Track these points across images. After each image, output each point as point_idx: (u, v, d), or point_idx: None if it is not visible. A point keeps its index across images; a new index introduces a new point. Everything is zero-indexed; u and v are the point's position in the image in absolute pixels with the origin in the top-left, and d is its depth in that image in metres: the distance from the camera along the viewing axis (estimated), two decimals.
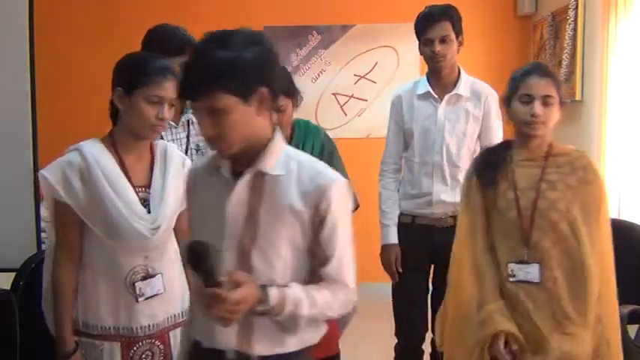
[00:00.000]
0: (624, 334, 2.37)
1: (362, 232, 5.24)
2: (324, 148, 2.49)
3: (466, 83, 2.60)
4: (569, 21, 3.96)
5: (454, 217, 2.41)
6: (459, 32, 2.54)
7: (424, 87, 2.58)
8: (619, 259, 2.71)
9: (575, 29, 3.94)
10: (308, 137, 2.49)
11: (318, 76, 4.96)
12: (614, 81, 3.45)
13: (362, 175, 5.01)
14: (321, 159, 2.05)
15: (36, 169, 2.90)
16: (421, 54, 2.61)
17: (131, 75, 1.73)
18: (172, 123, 2.49)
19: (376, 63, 4.94)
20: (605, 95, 3.51)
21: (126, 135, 1.86)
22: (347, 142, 4.99)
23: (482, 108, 2.58)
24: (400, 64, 4.94)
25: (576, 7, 3.92)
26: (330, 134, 4.90)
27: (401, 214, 2.64)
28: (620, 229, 2.83)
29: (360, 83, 4.96)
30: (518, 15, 4.86)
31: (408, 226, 2.62)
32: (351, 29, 4.93)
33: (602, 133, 3.53)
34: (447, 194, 2.53)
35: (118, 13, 4.92)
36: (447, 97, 2.55)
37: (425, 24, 2.53)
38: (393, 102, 2.70)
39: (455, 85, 2.56)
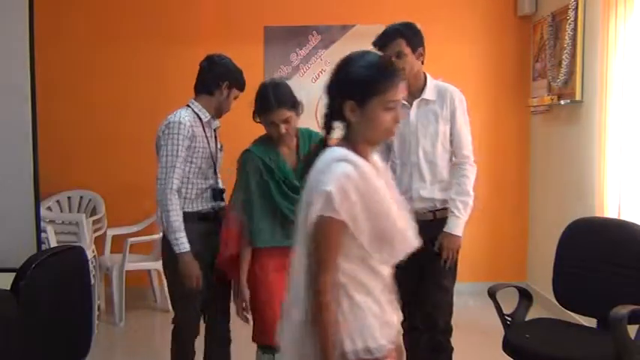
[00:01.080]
0: (624, 334, 2.37)
1: None
2: None
3: (431, 88, 2.82)
4: (569, 21, 3.96)
5: (433, 212, 2.77)
6: (416, 46, 2.76)
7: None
8: (619, 259, 2.72)
9: (575, 29, 3.94)
10: (312, 141, 2.67)
11: (318, 76, 4.95)
12: (614, 81, 3.45)
13: None
14: None
15: (36, 171, 2.91)
16: None
17: (364, 86, 1.66)
18: (211, 122, 2.90)
19: None
20: (606, 95, 3.51)
21: (363, 144, 1.72)
22: None
23: (448, 107, 2.81)
24: None
25: (576, 7, 3.92)
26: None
27: None
28: (620, 228, 2.83)
29: None
30: (518, 15, 4.86)
31: None
32: (351, 29, 4.93)
33: (602, 133, 3.53)
34: (426, 190, 2.77)
35: (119, 16, 4.91)
36: (415, 102, 2.78)
37: (380, 43, 2.74)
38: None
39: (422, 91, 2.79)
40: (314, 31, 4.93)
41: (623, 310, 2.37)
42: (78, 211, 4.79)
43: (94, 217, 4.59)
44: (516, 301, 2.87)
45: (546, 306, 3.93)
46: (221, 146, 3.02)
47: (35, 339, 1.92)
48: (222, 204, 2.88)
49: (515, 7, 4.88)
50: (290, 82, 4.85)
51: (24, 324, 1.83)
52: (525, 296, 2.87)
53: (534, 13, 4.77)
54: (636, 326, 2.46)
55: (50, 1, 4.51)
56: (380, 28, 4.83)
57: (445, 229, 2.74)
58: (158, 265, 4.51)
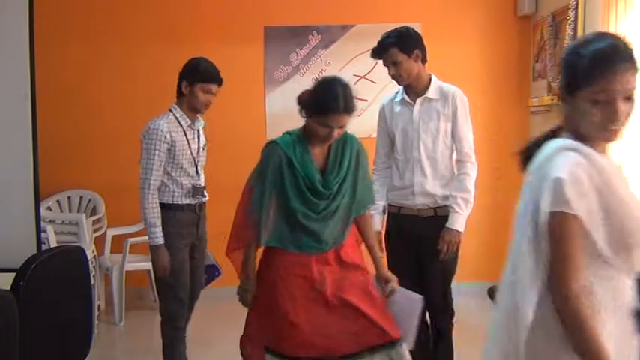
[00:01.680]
0: None
1: None
2: (359, 157, 2.64)
3: (435, 88, 2.96)
4: (569, 21, 3.96)
5: (434, 209, 2.91)
6: (411, 49, 2.87)
7: (401, 95, 3.00)
8: None
9: (575, 29, 3.94)
10: (346, 146, 2.61)
11: (318, 76, 4.94)
12: None
13: None
14: (356, 167, 2.56)
15: (36, 171, 2.91)
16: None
17: (574, 77, 1.48)
18: (192, 126, 3.19)
19: (376, 63, 4.89)
20: None
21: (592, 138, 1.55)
22: None
23: (450, 107, 2.93)
24: None
25: (576, 8, 3.92)
26: None
27: (389, 205, 3.01)
28: None
29: (361, 83, 4.96)
30: (518, 15, 4.86)
31: (395, 215, 2.99)
32: (351, 29, 4.93)
33: None
34: (428, 185, 2.89)
35: (120, 16, 4.91)
36: (419, 100, 2.93)
37: (376, 55, 2.96)
38: (379, 110, 3.10)
39: (426, 90, 2.93)
40: (314, 31, 4.93)
41: None
42: (78, 211, 4.79)
43: (94, 217, 4.59)
44: None
45: None
46: (204, 145, 3.26)
47: (35, 339, 1.92)
48: (204, 199, 3.24)
49: (515, 7, 4.88)
50: (290, 82, 4.92)
51: (24, 324, 1.83)
52: None
53: (534, 13, 4.77)
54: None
55: (51, 0, 4.51)
56: (380, 28, 4.83)
57: (447, 225, 2.86)
58: None
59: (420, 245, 2.90)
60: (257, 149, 4.99)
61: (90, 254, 4.06)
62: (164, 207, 3.08)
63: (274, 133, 4.95)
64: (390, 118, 3.02)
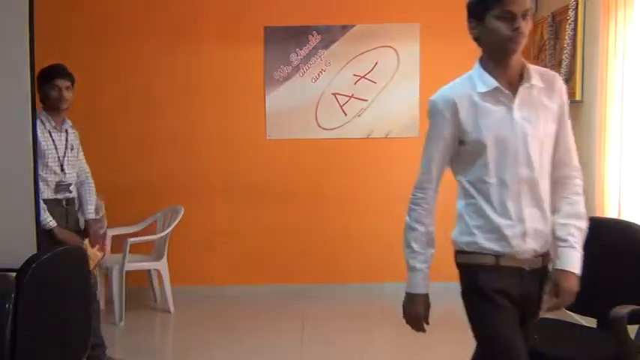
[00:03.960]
0: (624, 334, 2.37)
1: (364, 234, 5.24)
2: None
3: (535, 71, 1.97)
4: (569, 21, 3.96)
5: (543, 256, 1.97)
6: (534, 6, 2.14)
7: (489, 82, 1.93)
8: (619, 259, 2.72)
9: (575, 29, 3.94)
10: None
11: (318, 76, 4.96)
12: (614, 81, 3.45)
13: (362, 175, 5.04)
14: None
15: (36, 171, 2.91)
16: (478, 37, 2.05)
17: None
18: (57, 128, 3.48)
19: (376, 63, 4.94)
20: (606, 95, 3.51)
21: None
22: (347, 142, 5.00)
23: (557, 99, 1.97)
24: (400, 64, 4.94)
25: (576, 7, 3.92)
26: (330, 134, 4.96)
27: (480, 254, 2.00)
28: (620, 228, 2.83)
29: (360, 83, 4.96)
30: None
31: (492, 269, 1.96)
32: (351, 29, 4.93)
33: (603, 133, 3.54)
34: (544, 221, 1.95)
35: (120, 17, 4.91)
36: (521, 89, 1.91)
37: None
38: (440, 111, 1.98)
39: (522, 76, 1.93)
40: (314, 31, 4.93)
41: (623, 310, 2.37)
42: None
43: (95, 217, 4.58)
44: None
45: None
46: (72, 146, 3.56)
47: (35, 339, 1.92)
48: (70, 195, 3.54)
49: None
50: (290, 82, 4.92)
51: (24, 324, 1.83)
52: None
53: (534, 13, 4.76)
54: (636, 326, 2.46)
55: (54, 4, 4.51)
56: (380, 28, 4.86)
57: (559, 266, 1.95)
58: (158, 264, 4.52)
59: (523, 309, 1.99)
60: (257, 149, 5.04)
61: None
62: None
63: (275, 133, 4.99)
64: (472, 120, 1.93)
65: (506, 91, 1.92)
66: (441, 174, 2.11)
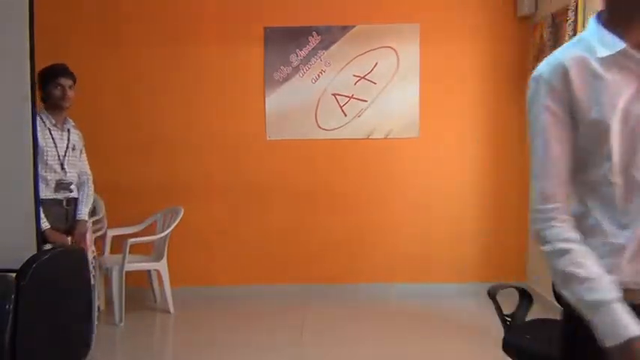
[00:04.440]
0: None
1: (357, 235, 5.22)
2: None
3: None
4: (569, 22, 3.96)
5: None
6: None
7: (614, 43, 1.38)
8: None
9: (574, 30, 3.94)
10: None
11: (318, 76, 4.96)
12: None
13: (362, 176, 5.04)
14: None
15: (36, 172, 2.91)
16: None
17: None
18: (58, 126, 3.50)
19: (376, 64, 4.94)
20: None
21: None
22: (347, 143, 5.00)
23: None
24: (400, 64, 4.94)
25: (576, 8, 3.93)
26: (330, 135, 4.97)
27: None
28: None
29: (360, 84, 4.96)
30: (518, 16, 4.86)
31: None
32: (351, 30, 4.93)
33: None
34: None
35: (121, 17, 4.91)
36: None
37: None
38: (548, 82, 1.40)
39: None
40: (314, 32, 4.94)
41: None
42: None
43: (94, 218, 4.58)
44: (516, 302, 2.87)
45: (547, 306, 3.93)
46: (74, 145, 3.59)
47: (36, 339, 1.92)
48: (71, 194, 3.57)
49: (514, 7, 4.89)
50: (290, 83, 4.93)
51: (24, 324, 1.83)
52: (525, 297, 2.87)
53: (534, 13, 4.77)
54: None
55: (54, 5, 4.52)
56: (380, 28, 4.87)
57: None
58: (158, 265, 4.52)
59: None
60: (257, 150, 5.05)
61: (90, 255, 4.06)
62: None
63: (274, 134, 4.99)
64: (591, 93, 1.37)
65: (638, 55, 1.37)
66: (568, 170, 1.41)
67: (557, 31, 4.27)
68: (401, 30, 4.94)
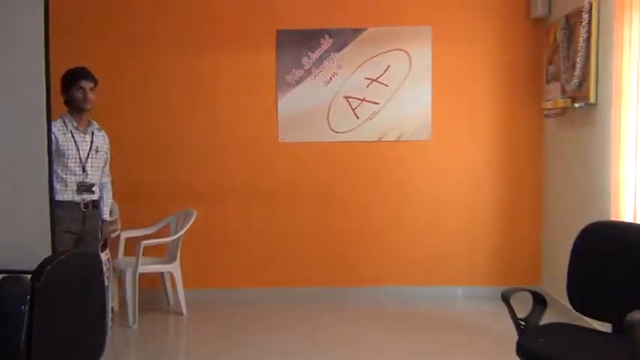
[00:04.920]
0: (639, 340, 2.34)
1: (369, 235, 5.20)
2: None
3: None
4: (583, 24, 3.93)
5: None
6: None
7: None
8: (634, 262, 2.69)
9: (589, 32, 3.91)
10: None
11: (330, 79, 4.96)
12: (628, 83, 3.42)
13: (374, 179, 5.03)
14: None
15: (50, 174, 2.94)
16: None
17: None
18: (80, 129, 3.54)
19: (388, 66, 4.94)
20: (620, 98, 3.48)
21: None
22: (359, 146, 5.00)
23: None
24: (412, 67, 4.93)
25: (590, 10, 3.89)
26: (342, 137, 4.96)
27: None
28: (636, 232, 2.80)
29: (372, 86, 4.96)
30: (532, 18, 4.83)
31: None
32: (363, 32, 4.93)
33: (617, 135, 3.50)
34: None
35: (137, 19, 4.95)
36: None
37: None
38: None
39: None
40: (326, 35, 4.94)
41: (636, 315, 2.34)
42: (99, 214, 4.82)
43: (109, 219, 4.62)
44: (530, 306, 2.85)
45: (561, 310, 3.90)
46: (97, 148, 3.63)
47: (50, 341, 1.94)
48: (92, 196, 3.60)
49: (528, 9, 4.86)
50: (302, 86, 4.94)
51: (39, 325, 1.85)
52: (539, 300, 2.85)
53: (548, 15, 4.74)
54: None
55: (74, 9, 4.57)
56: (391, 31, 4.85)
57: None
58: (171, 267, 4.54)
59: None
60: (269, 152, 5.05)
61: (104, 257, 4.09)
62: None
63: (287, 136, 5.00)
64: None
65: None
66: None
67: (571, 32, 4.24)
68: (413, 32, 4.93)
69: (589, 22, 3.91)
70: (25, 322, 1.81)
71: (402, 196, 5.01)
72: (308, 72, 4.95)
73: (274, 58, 4.95)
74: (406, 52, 4.93)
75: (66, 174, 3.46)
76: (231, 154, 5.02)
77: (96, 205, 3.66)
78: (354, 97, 4.96)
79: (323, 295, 4.96)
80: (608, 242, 2.86)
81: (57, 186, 3.36)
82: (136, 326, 4.32)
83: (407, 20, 4.93)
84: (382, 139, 4.99)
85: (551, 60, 4.65)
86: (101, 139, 3.68)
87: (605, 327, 2.90)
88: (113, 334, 4.17)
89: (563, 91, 4.33)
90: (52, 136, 3.13)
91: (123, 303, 4.49)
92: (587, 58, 3.95)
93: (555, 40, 4.52)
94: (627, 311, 2.38)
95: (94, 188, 3.59)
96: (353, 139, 4.98)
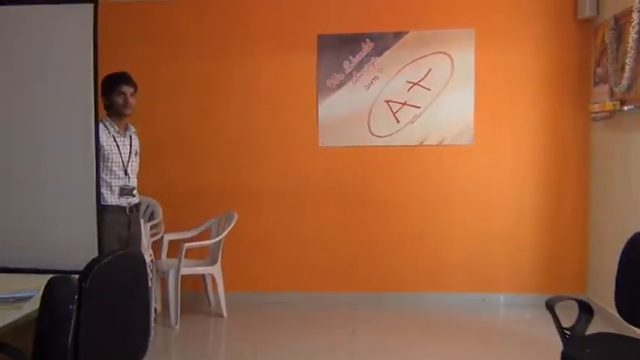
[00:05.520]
0: None
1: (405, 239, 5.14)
2: None
3: None
4: (633, 24, 3.81)
5: None
6: None
7: None
8: None
9: (639, 32, 3.79)
10: None
11: (371, 83, 4.95)
12: None
13: (414, 183, 4.98)
14: None
15: (98, 178, 3.03)
16: None
17: None
18: (121, 133, 3.59)
19: (430, 69, 4.89)
20: None
21: None
22: (399, 150, 4.97)
23: None
24: (455, 70, 4.87)
25: None
26: (383, 141, 4.94)
27: None
28: None
29: (414, 90, 4.92)
30: (579, 18, 4.71)
31: None
32: (404, 36, 4.90)
33: None
34: None
35: (176, 23, 5.05)
36: None
37: None
38: None
39: None
40: (367, 39, 4.93)
41: None
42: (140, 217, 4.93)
43: (152, 223, 4.72)
44: (576, 315, 2.77)
45: (608, 320, 3.77)
46: (136, 151, 3.69)
47: (96, 339, 1.99)
48: (134, 200, 3.64)
49: (575, 10, 4.74)
50: (342, 90, 4.94)
51: (86, 325, 1.90)
52: (585, 309, 2.77)
53: (596, 16, 4.61)
54: None
55: (115, 14, 4.70)
56: (433, 34, 4.80)
57: None
58: (213, 269, 4.60)
59: None
60: (310, 156, 5.07)
61: (148, 258, 4.18)
62: None
63: (327, 140, 5.01)
64: None
65: None
66: None
67: (620, 33, 4.11)
68: (455, 35, 4.87)
69: (639, 22, 3.78)
70: (72, 321, 1.86)
71: (442, 201, 4.95)
72: (349, 76, 4.96)
73: (315, 62, 4.97)
74: (448, 55, 4.87)
75: (110, 178, 3.52)
76: (272, 158, 5.07)
77: (137, 208, 3.72)
78: (394, 101, 4.94)
79: (361, 299, 4.95)
80: None
81: (103, 190, 3.42)
82: (178, 327, 4.39)
83: (449, 23, 4.88)
84: (423, 144, 4.94)
85: (599, 62, 4.53)
86: (137, 142, 3.73)
87: None
88: (156, 334, 4.26)
89: (612, 94, 4.20)
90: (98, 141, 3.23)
91: (165, 304, 4.57)
92: (637, 60, 3.82)
93: (603, 41, 4.40)
94: None
95: (134, 191, 3.65)
96: (394, 143, 4.96)
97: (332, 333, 4.27)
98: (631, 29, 3.84)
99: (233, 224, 4.61)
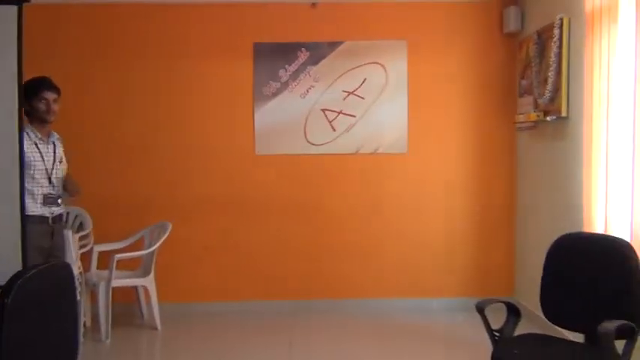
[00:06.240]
0: (612, 349, 2.37)
1: (353, 249, 5.20)
2: None
3: None
4: (555, 39, 4.01)
5: None
6: None
7: None
8: (606, 274, 2.74)
9: (560, 47, 4.00)
10: None
11: (307, 92, 4.98)
12: (599, 97, 3.49)
13: (350, 191, 5.04)
14: None
15: (22, 188, 2.90)
16: None
17: None
18: (43, 140, 3.46)
19: (365, 79, 4.97)
20: (591, 111, 3.55)
21: None
22: (335, 158, 5.01)
23: None
24: (388, 80, 4.97)
25: (561, 26, 3.98)
26: (319, 150, 4.98)
27: None
28: (607, 244, 2.85)
29: (349, 99, 4.99)
30: (504, 32, 4.92)
31: None
32: (340, 46, 4.97)
33: (588, 148, 3.57)
34: None
35: (110, 31, 4.91)
36: None
37: None
38: None
39: None
40: (303, 48, 4.96)
41: (611, 325, 2.38)
42: (65, 228, 4.73)
43: (81, 233, 4.55)
44: (504, 317, 2.87)
45: (534, 321, 3.94)
46: (61, 158, 3.56)
47: (20, 356, 1.89)
48: (59, 209, 3.52)
49: (501, 24, 4.95)
50: (279, 98, 4.94)
51: (9, 341, 1.81)
52: (513, 311, 2.88)
53: (520, 31, 4.84)
54: (624, 341, 2.47)
55: (44, 14, 4.51)
56: (367, 45, 4.89)
57: None
58: (145, 281, 4.47)
59: None
60: (246, 165, 5.04)
61: (76, 270, 4.02)
62: None
63: (263, 149, 4.99)
64: None
65: None
66: None
67: (543, 48, 4.32)
68: (389, 46, 4.98)
69: (560, 38, 4.00)
70: None
71: (377, 208, 5.03)
72: (285, 85, 4.96)
73: (251, 70, 4.95)
74: (382, 65, 4.97)
75: (32, 186, 3.38)
76: (206, 166, 4.99)
77: (61, 218, 3.58)
78: (330, 110, 4.99)
79: (298, 308, 4.94)
80: (580, 254, 2.90)
81: (25, 199, 3.25)
82: (108, 341, 4.24)
83: (382, 34, 4.98)
84: (359, 152, 5.01)
85: (523, 74, 4.74)
86: (61, 150, 3.60)
87: (577, 337, 2.94)
88: (85, 349, 4.09)
89: (536, 105, 4.41)
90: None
91: (95, 317, 4.40)
92: (558, 73, 4.03)
93: (528, 55, 4.61)
94: (599, 321, 2.41)
95: (59, 200, 3.51)
96: (330, 151, 5.00)
97: (269, 343, 4.24)
98: (552, 44, 4.04)
99: (167, 235, 4.50)
